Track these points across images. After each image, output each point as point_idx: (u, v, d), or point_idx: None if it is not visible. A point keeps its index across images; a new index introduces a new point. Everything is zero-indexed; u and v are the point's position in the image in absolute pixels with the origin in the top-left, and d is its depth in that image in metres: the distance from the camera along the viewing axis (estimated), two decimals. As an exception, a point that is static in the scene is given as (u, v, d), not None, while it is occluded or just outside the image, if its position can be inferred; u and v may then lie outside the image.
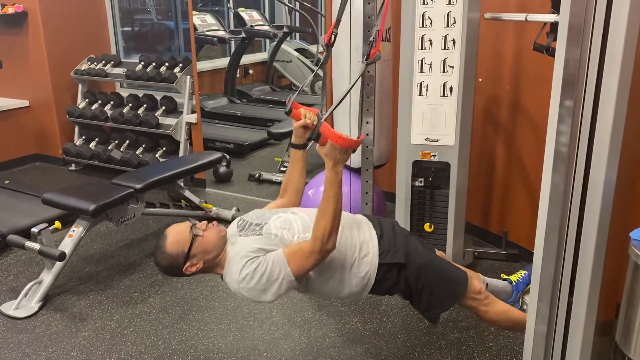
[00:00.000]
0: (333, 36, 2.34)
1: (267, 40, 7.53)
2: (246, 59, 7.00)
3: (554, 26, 2.15)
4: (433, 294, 2.02)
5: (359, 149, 2.86)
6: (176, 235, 1.89)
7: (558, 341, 1.66)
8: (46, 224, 2.84)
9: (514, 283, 2.58)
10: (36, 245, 2.76)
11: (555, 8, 2.11)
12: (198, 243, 1.86)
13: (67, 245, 2.86)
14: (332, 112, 2.03)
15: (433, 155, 2.60)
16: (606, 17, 1.39)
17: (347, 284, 1.94)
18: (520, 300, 2.59)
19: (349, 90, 2.03)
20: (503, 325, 2.27)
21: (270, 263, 1.78)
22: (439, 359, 2.34)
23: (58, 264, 2.82)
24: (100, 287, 2.96)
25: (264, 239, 1.87)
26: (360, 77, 2.03)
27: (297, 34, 7.85)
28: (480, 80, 2.71)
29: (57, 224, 2.94)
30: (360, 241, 1.96)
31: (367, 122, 2.76)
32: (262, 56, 7.63)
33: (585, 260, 1.54)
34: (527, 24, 2.50)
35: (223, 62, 6.82)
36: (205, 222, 1.94)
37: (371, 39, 2.32)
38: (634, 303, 1.65)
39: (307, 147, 2.07)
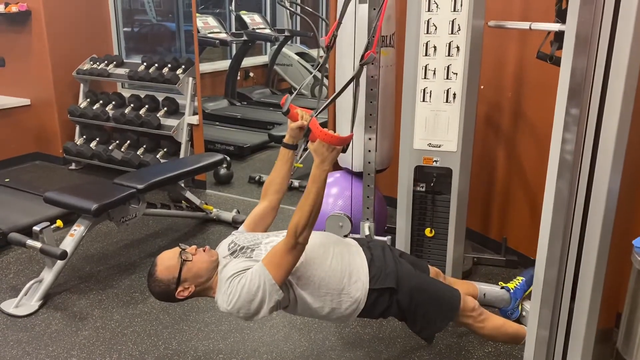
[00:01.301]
0: (333, 38, 2.35)
1: (268, 44, 7.55)
2: (247, 61, 7.01)
3: (558, 35, 2.17)
4: (426, 315, 2.03)
5: (361, 153, 2.88)
6: (166, 261, 1.91)
7: (559, 347, 1.67)
8: (48, 223, 2.84)
9: (512, 291, 2.60)
10: (37, 244, 2.77)
11: (560, 17, 2.14)
12: (187, 268, 1.88)
13: (68, 244, 2.86)
14: (327, 114, 2.03)
15: (435, 161, 2.62)
16: (612, 27, 1.41)
17: (336, 308, 1.95)
18: (520, 307, 2.60)
19: (342, 91, 2.03)
20: (500, 339, 2.30)
21: (250, 274, 1.80)
22: (438, 363, 2.36)
23: (59, 263, 2.83)
24: (101, 286, 2.96)
25: (253, 261, 1.88)
26: (355, 78, 2.04)
27: (298, 38, 7.86)
28: (482, 87, 2.73)
29: (59, 223, 2.94)
30: (351, 266, 1.97)
31: (370, 127, 2.78)
32: (263, 59, 7.65)
33: (587, 266, 1.56)
34: (530, 32, 2.52)
35: (224, 64, 6.84)
36: (194, 246, 1.96)
37: (368, 40, 2.33)
38: (636, 309, 1.67)
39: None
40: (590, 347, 1.62)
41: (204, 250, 1.95)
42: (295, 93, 2.10)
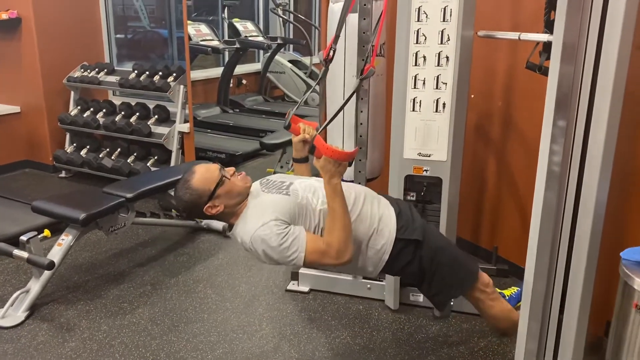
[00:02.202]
0: (332, 52, 2.36)
1: (261, 51, 7.56)
2: (240, 69, 7.01)
3: (547, 45, 2.17)
4: (445, 278, 2.04)
5: (353, 162, 2.87)
6: (205, 172, 1.90)
7: (548, 358, 1.67)
8: (35, 232, 2.81)
9: (507, 298, 2.60)
10: (24, 254, 2.73)
11: (548, 28, 2.14)
12: (225, 185, 1.88)
13: (56, 254, 2.83)
14: (326, 127, 2.04)
15: (425, 170, 2.61)
16: (599, 37, 1.42)
17: (363, 255, 1.96)
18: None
19: (344, 106, 2.04)
20: (502, 324, 2.26)
21: (291, 239, 1.79)
22: (428, 374, 2.34)
23: (46, 273, 2.79)
24: (89, 296, 2.93)
25: (291, 200, 1.89)
26: (355, 93, 2.05)
27: (291, 46, 7.88)
28: (472, 96, 2.73)
29: (47, 233, 2.91)
30: (380, 214, 1.99)
31: (361, 136, 2.77)
32: (256, 67, 7.66)
33: (576, 278, 1.56)
34: (519, 42, 2.53)
35: (216, 71, 6.83)
36: (233, 168, 1.96)
37: (366, 55, 2.33)
38: (624, 321, 1.66)
39: (292, 164, 2.10)
40: (579, 358, 1.62)
41: (241, 175, 1.96)
42: (296, 107, 2.11)
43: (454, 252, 2.13)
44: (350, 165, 1.89)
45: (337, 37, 2.41)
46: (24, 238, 2.76)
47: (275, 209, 1.84)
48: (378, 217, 1.97)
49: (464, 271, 2.08)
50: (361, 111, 2.74)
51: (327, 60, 2.38)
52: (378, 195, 2.11)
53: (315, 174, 1.95)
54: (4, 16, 4.52)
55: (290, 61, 7.34)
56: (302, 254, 1.80)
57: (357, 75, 2.70)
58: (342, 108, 2.00)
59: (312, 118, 3.36)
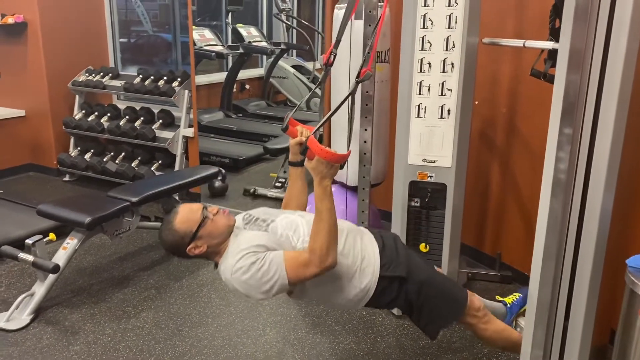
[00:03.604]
0: (332, 56, 2.37)
1: (264, 57, 7.58)
2: (243, 74, 7.03)
3: (552, 53, 2.18)
4: (433, 310, 2.02)
5: (355, 168, 2.88)
6: (188, 213, 1.89)
7: (553, 366, 1.67)
8: (40, 236, 2.82)
9: (509, 305, 2.59)
10: (30, 257, 2.74)
11: (553, 35, 2.15)
12: (207, 226, 1.86)
13: (61, 257, 2.84)
14: (323, 129, 2.04)
15: (430, 176, 2.62)
16: (605, 45, 1.43)
17: (345, 293, 1.93)
18: (514, 322, 2.59)
19: (338, 107, 2.03)
20: (500, 344, 2.27)
21: (268, 262, 1.77)
22: (432, 380, 2.34)
23: (51, 277, 2.80)
24: (93, 300, 2.94)
25: (269, 235, 1.87)
26: (350, 95, 2.05)
27: (294, 51, 7.90)
28: (476, 102, 2.75)
29: (52, 236, 2.92)
30: (363, 251, 1.96)
31: (365, 142, 2.79)
32: (259, 72, 7.67)
33: (581, 285, 1.56)
34: (524, 50, 2.54)
35: (220, 76, 6.85)
36: (216, 207, 1.94)
37: (364, 58, 2.34)
38: (629, 329, 1.67)
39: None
40: (584, 366, 1.62)
41: (224, 213, 1.94)
42: (294, 110, 2.10)
43: (441, 282, 2.09)
44: (342, 168, 1.88)
45: (337, 42, 2.42)
46: (29, 241, 2.77)
47: (250, 243, 1.82)
48: (361, 256, 1.95)
49: (453, 300, 2.06)
50: (365, 117, 2.76)
51: (328, 65, 2.39)
52: (361, 231, 2.08)
53: (310, 179, 1.93)
54: (10, 20, 4.55)
55: (293, 66, 7.36)
56: (283, 272, 1.76)
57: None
58: (335, 110, 2.00)
59: (315, 123, 3.37)
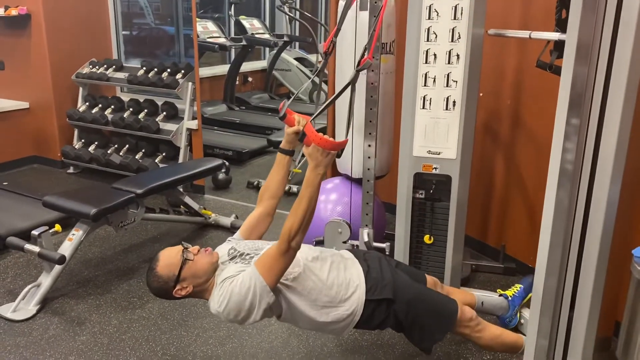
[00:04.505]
0: (332, 45, 2.36)
1: (267, 49, 7.57)
2: (246, 66, 7.03)
3: (558, 44, 2.18)
4: (424, 327, 2.04)
5: (360, 160, 2.88)
6: (167, 258, 1.91)
7: (558, 355, 1.68)
8: (46, 227, 2.83)
9: (510, 298, 2.60)
10: (36, 248, 2.76)
11: (559, 26, 2.15)
12: (188, 267, 1.88)
13: (66, 248, 2.85)
14: (327, 120, 2.04)
15: (435, 168, 2.62)
16: (613, 36, 1.43)
17: (332, 320, 1.95)
18: (518, 314, 2.60)
19: (337, 97, 2.02)
20: (497, 349, 2.30)
21: (241, 277, 1.80)
22: (437, 370, 2.36)
23: (57, 268, 2.82)
24: (99, 291, 2.95)
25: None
26: (350, 84, 2.05)
27: (297, 43, 7.89)
28: (481, 94, 2.74)
29: (58, 227, 2.93)
30: (347, 278, 1.98)
31: (370, 133, 2.79)
32: (262, 64, 7.67)
33: (587, 275, 1.57)
34: (529, 41, 2.53)
35: (223, 69, 6.85)
36: (197, 247, 1.96)
37: (364, 47, 2.33)
38: (635, 319, 1.67)
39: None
40: (589, 355, 1.63)
41: (206, 252, 1.95)
42: (292, 98, 2.10)
43: (429, 298, 2.10)
44: (339, 156, 1.87)
45: (338, 30, 2.41)
46: (35, 233, 2.78)
47: (228, 274, 1.85)
48: (346, 283, 1.96)
49: (442, 315, 2.07)
50: (371, 108, 2.76)
51: (327, 53, 2.38)
52: (345, 255, 2.09)
53: (302, 173, 1.91)
54: (14, 12, 4.55)
55: (296, 59, 7.34)
56: (257, 275, 1.77)
57: (365, 70, 2.70)
58: (335, 99, 1.99)
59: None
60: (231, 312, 1.82)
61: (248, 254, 1.94)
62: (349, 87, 2.01)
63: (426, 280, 2.26)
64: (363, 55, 2.10)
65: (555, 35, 2.13)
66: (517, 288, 2.68)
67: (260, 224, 2.11)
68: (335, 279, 1.95)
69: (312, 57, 7.41)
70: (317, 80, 2.38)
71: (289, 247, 1.75)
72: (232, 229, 3.71)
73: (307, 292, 1.90)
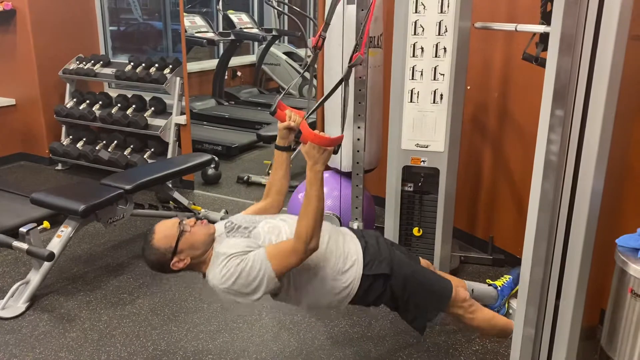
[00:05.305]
0: (321, 39, 2.36)
1: (256, 43, 7.54)
2: (235, 61, 7.00)
3: (543, 37, 2.20)
4: (419, 304, 2.06)
5: (349, 153, 2.89)
6: (164, 230, 1.89)
7: (545, 344, 1.70)
8: (35, 224, 2.82)
9: (499, 288, 2.63)
10: (24, 245, 2.74)
11: (545, 19, 2.17)
12: (185, 238, 1.87)
13: (55, 245, 2.84)
14: (316, 114, 2.05)
15: (423, 161, 2.64)
16: (596, 29, 1.44)
17: (329, 294, 1.96)
18: (506, 304, 2.63)
19: (331, 93, 2.04)
20: (488, 332, 2.33)
21: (252, 259, 1.79)
22: (426, 361, 2.38)
23: (46, 264, 2.80)
24: (89, 287, 2.95)
25: (251, 241, 1.88)
26: (343, 80, 2.06)
27: (286, 38, 7.87)
28: (468, 87, 2.76)
29: (46, 224, 2.92)
30: (345, 252, 1.99)
31: (359, 127, 2.80)
32: (251, 59, 7.65)
33: (572, 265, 1.59)
34: (516, 34, 2.55)
35: (211, 63, 6.82)
36: (193, 219, 1.95)
37: (356, 43, 2.34)
38: (619, 307, 1.70)
39: (295, 152, 2.08)
40: (575, 344, 1.65)
41: (202, 223, 1.94)
42: (282, 94, 2.10)
43: (424, 276, 2.12)
44: (335, 152, 1.88)
45: (327, 24, 2.41)
46: (23, 230, 2.76)
47: (234, 249, 1.84)
48: (344, 256, 1.97)
49: (437, 293, 2.09)
50: (359, 102, 2.76)
51: (317, 48, 2.39)
52: (343, 231, 2.10)
53: (302, 166, 1.92)
54: (-1, 8, 4.50)
55: (285, 53, 7.33)
56: (268, 265, 1.78)
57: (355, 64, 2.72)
58: (329, 96, 2.01)
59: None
60: (233, 290, 1.81)
61: (246, 227, 1.95)
62: (341, 84, 2.03)
63: (419, 263, 2.28)
64: (354, 51, 2.11)
65: (540, 28, 2.15)
66: (506, 279, 2.71)
67: (266, 212, 2.12)
68: (334, 251, 1.96)
69: (301, 51, 7.40)
70: (307, 75, 2.39)
71: (305, 249, 1.77)
72: (222, 224, 3.71)
73: (304, 265, 1.89)
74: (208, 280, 1.89)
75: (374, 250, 2.04)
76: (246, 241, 1.88)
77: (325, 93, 3.25)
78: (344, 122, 2.28)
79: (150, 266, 1.95)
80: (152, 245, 1.88)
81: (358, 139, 2.82)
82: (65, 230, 2.90)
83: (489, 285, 2.63)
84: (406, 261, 2.10)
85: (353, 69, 2.46)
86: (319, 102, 2.04)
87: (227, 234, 1.94)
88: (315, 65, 3.40)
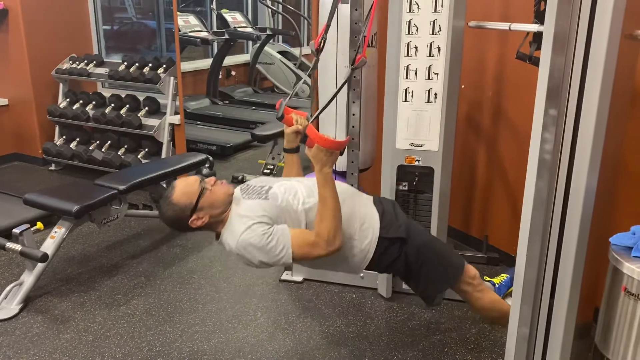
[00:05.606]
0: (322, 41, 2.37)
1: (250, 42, 7.53)
2: (229, 60, 7.00)
3: (537, 36, 2.20)
4: (431, 274, 2.07)
5: (344, 152, 2.89)
6: (185, 187, 1.90)
7: (539, 343, 1.71)
8: (28, 225, 2.80)
9: (497, 285, 2.64)
10: (17, 247, 2.73)
11: (538, 18, 2.17)
12: (206, 197, 1.88)
13: (49, 246, 2.82)
14: (318, 116, 2.07)
15: (417, 160, 2.64)
16: (589, 27, 1.44)
17: (346, 254, 1.97)
18: (501, 303, 2.64)
19: (335, 95, 2.06)
20: (491, 314, 2.32)
21: (276, 238, 1.81)
22: (422, 360, 2.38)
23: (39, 266, 2.79)
24: (83, 288, 2.93)
25: (270, 203, 1.89)
26: (346, 82, 2.07)
27: (280, 37, 7.86)
28: (463, 86, 2.76)
29: (39, 225, 2.90)
30: (362, 212, 2.01)
31: (353, 127, 2.79)
32: (245, 58, 7.64)
33: (566, 263, 1.59)
34: (510, 33, 2.55)
35: (205, 63, 6.81)
36: (213, 178, 1.97)
37: (357, 45, 2.33)
38: (612, 305, 1.70)
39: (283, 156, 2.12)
40: (569, 342, 1.66)
41: (222, 183, 1.96)
42: (288, 98, 2.12)
43: (439, 247, 2.15)
44: (341, 154, 1.90)
45: (328, 26, 2.42)
46: (17, 231, 2.75)
47: (255, 213, 1.86)
48: (361, 217, 1.99)
49: (450, 266, 2.11)
50: (353, 102, 2.76)
51: (319, 50, 2.39)
52: (361, 194, 2.13)
53: (307, 165, 1.96)
54: (-9, 7, 4.48)
55: (279, 52, 7.32)
56: (289, 250, 1.81)
57: (349, 65, 2.72)
58: (333, 98, 2.03)
59: (301, 109, 3.37)
60: (247, 252, 1.83)
61: (262, 187, 1.97)
62: (341, 86, 2.04)
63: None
64: (357, 53, 2.12)
65: (534, 27, 2.16)
66: (503, 277, 2.73)
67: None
68: (350, 212, 1.97)
69: (296, 50, 7.39)
70: (307, 79, 2.40)
71: (327, 249, 1.81)
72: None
73: None
74: (223, 241, 1.91)
75: (390, 216, 2.07)
76: (266, 204, 1.89)
77: (321, 93, 3.26)
78: (349, 124, 2.28)
79: (167, 222, 1.96)
80: (171, 200, 1.88)
81: (352, 139, 2.81)
82: (58, 231, 2.88)
83: (487, 281, 2.64)
84: (422, 230, 2.15)
85: (344, 67, 2.45)
86: (323, 107, 2.06)
87: (243, 196, 1.95)
88: (309, 63, 3.41)
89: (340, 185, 2.10)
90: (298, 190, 1.96)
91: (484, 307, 2.23)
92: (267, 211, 1.87)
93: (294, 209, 1.91)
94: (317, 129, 3.40)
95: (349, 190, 2.08)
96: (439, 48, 2.45)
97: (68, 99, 4.77)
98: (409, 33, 2.47)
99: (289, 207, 1.91)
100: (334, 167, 3.11)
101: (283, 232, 1.83)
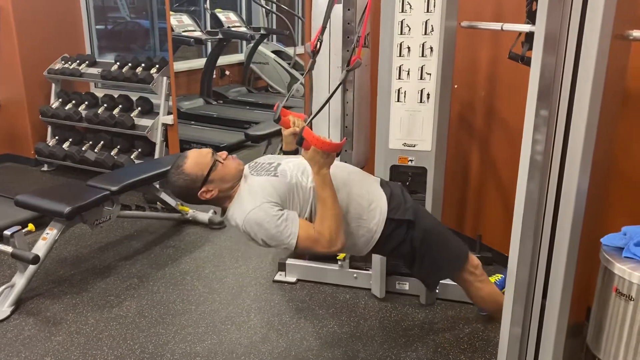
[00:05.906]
0: (319, 43, 2.36)
1: (244, 42, 7.51)
2: (223, 60, 6.97)
3: (529, 36, 2.20)
4: (435, 259, 2.08)
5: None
6: (198, 157, 1.89)
7: (532, 343, 1.71)
8: (19, 227, 2.79)
9: (491, 285, 2.64)
10: (9, 248, 2.71)
11: (530, 18, 2.17)
12: (218, 169, 1.88)
13: (40, 248, 2.81)
14: (313, 118, 2.06)
15: (410, 160, 2.64)
16: (580, 27, 1.44)
17: (354, 234, 1.97)
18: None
19: (331, 97, 2.05)
20: (489, 306, 2.32)
21: (286, 223, 1.80)
22: (415, 361, 2.38)
23: (31, 267, 2.77)
24: (75, 290, 2.92)
25: (280, 180, 1.89)
26: (341, 84, 2.06)
27: (274, 36, 7.85)
28: (455, 86, 2.76)
29: (31, 227, 2.89)
30: (370, 194, 2.01)
31: (346, 127, 2.79)
32: (239, 58, 7.61)
33: (558, 264, 1.59)
34: (502, 33, 2.55)
35: (199, 62, 6.78)
36: (225, 152, 1.96)
37: (352, 46, 2.33)
38: (604, 306, 1.71)
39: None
40: (561, 342, 1.66)
41: (233, 158, 1.96)
42: (285, 100, 2.11)
43: (445, 233, 2.15)
44: (338, 155, 1.90)
45: (323, 28, 2.41)
46: (7, 232, 2.73)
47: (266, 191, 1.85)
48: (370, 197, 1.99)
49: (454, 252, 2.12)
50: (347, 102, 2.76)
51: (315, 52, 2.38)
52: (369, 175, 2.14)
53: None
54: (-18, 7, 4.44)
55: (273, 52, 7.31)
56: (294, 239, 1.81)
57: (342, 66, 2.71)
58: (329, 99, 2.02)
59: (295, 109, 3.36)
60: (253, 229, 1.82)
61: (270, 163, 1.97)
62: (336, 88, 2.04)
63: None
64: (352, 54, 2.11)
65: (526, 27, 2.15)
66: (498, 277, 2.73)
67: None
68: (360, 191, 1.98)
69: (290, 50, 7.38)
70: (297, 76, 2.39)
71: (329, 249, 1.83)
72: (210, 225, 3.69)
73: None
74: (229, 216, 1.90)
75: (399, 198, 2.06)
76: (275, 181, 1.88)
77: (314, 94, 3.25)
78: (344, 125, 2.27)
79: (175, 192, 1.94)
80: (183, 170, 1.87)
81: (346, 139, 2.80)
82: (50, 233, 2.87)
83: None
84: (429, 215, 2.15)
85: (337, 68, 2.45)
86: (319, 108, 2.05)
87: (252, 173, 1.95)
88: (301, 61, 3.39)
89: (348, 167, 2.12)
90: (306, 168, 1.94)
91: (484, 298, 2.23)
92: (277, 189, 1.86)
93: (303, 186, 1.91)
94: (311, 128, 3.40)
95: (358, 171, 2.09)
96: (431, 48, 2.45)
97: (60, 99, 4.75)
98: (401, 33, 2.47)
99: (298, 184, 1.90)
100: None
101: (293, 220, 1.82)
